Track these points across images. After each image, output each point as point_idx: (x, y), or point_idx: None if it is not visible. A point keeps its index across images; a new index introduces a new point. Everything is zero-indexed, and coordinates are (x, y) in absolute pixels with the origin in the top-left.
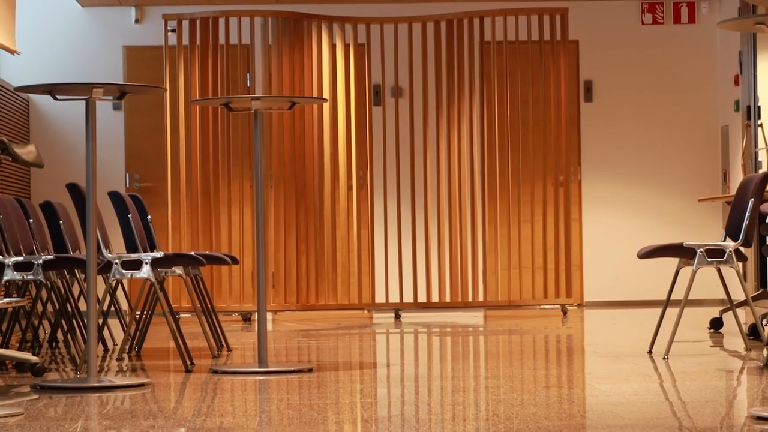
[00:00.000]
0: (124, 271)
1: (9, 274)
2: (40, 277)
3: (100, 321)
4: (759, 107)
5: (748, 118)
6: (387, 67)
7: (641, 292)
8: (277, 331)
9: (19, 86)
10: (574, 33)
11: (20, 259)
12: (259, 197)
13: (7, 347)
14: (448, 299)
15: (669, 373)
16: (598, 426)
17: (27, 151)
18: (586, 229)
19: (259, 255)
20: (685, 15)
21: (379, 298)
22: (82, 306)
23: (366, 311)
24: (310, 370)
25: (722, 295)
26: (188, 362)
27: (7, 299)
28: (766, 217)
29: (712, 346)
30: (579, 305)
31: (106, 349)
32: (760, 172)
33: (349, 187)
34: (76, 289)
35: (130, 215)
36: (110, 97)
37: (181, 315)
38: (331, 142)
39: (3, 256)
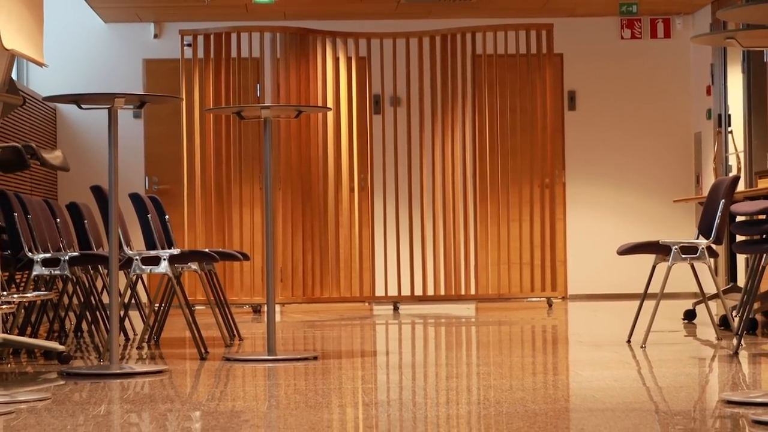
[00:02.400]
0: (143, 267)
1: (38, 270)
2: (66, 272)
3: (122, 313)
4: (729, 115)
5: (719, 125)
6: (386, 78)
7: (621, 285)
8: (284, 322)
9: (47, 96)
10: (558, 47)
11: (48, 255)
12: (268, 198)
13: (35, 337)
14: (442, 292)
15: (646, 360)
16: (580, 409)
17: (54, 156)
18: (569, 228)
19: (269, 252)
20: (660, 30)
21: (379, 292)
22: (105, 299)
23: (367, 304)
24: (315, 358)
25: (695, 289)
26: (203, 351)
27: (36, 293)
28: (735, 217)
29: (686, 336)
30: (563, 298)
31: (127, 339)
32: (730, 175)
33: (351, 189)
34: (99, 284)
35: (149, 215)
36: (131, 106)
37: (196, 307)
38: (335, 148)
39: (32, 252)
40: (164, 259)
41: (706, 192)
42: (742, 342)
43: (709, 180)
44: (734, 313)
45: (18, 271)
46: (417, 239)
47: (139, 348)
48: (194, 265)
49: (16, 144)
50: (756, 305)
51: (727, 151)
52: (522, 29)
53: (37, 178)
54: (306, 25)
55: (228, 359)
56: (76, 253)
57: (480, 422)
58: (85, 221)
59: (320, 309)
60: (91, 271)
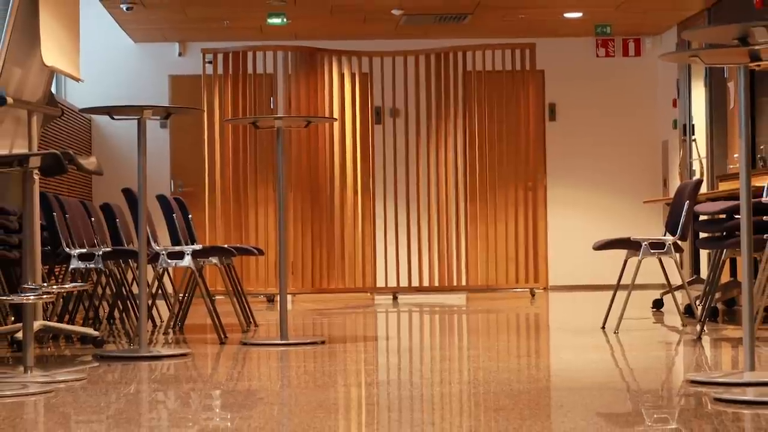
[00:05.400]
0: (169, 261)
1: (74, 263)
2: (100, 266)
3: (150, 302)
4: (693, 125)
5: (684, 134)
6: (386, 92)
7: (596, 277)
8: (295, 310)
9: (82, 108)
10: (540, 64)
11: (84, 250)
12: (281, 200)
13: (73, 323)
14: (436, 284)
15: (619, 345)
16: (560, 389)
17: (89, 162)
18: (550, 226)
19: (281, 247)
20: (632, 49)
21: (380, 283)
22: (135, 290)
23: (369, 294)
24: (322, 343)
25: (663, 281)
26: (222, 336)
27: (73, 284)
28: (699, 216)
29: (654, 323)
30: (545, 289)
31: (154, 325)
32: (694, 179)
33: (355, 192)
34: (129, 276)
35: (174, 214)
36: (158, 117)
37: (216, 297)
38: (340, 155)
39: (69, 248)
40: (188, 254)
41: (672, 194)
42: (705, 328)
43: (675, 183)
44: (697, 302)
45: (57, 265)
46: (414, 236)
47: (165, 334)
48: (214, 260)
49: (56, 151)
50: (717, 295)
51: (691, 157)
52: (508, 48)
53: (74, 181)
54: (315, 44)
55: (245, 344)
56: (108, 249)
57: (470, 400)
58: (117, 220)
59: (327, 298)
60: (122, 265)
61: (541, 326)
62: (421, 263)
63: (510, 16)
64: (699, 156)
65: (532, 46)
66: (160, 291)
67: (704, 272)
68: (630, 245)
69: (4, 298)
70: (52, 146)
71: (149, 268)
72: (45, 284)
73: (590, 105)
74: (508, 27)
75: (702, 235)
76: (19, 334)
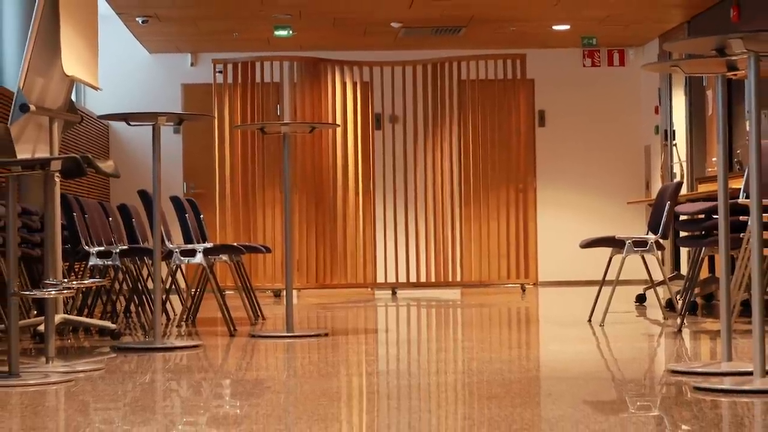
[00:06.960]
0: (182, 258)
1: (93, 260)
2: (117, 263)
3: (164, 297)
4: (674, 131)
5: (665, 139)
6: (386, 99)
7: (582, 274)
8: (300, 305)
9: (101, 115)
10: (530, 73)
11: (102, 248)
12: (287, 201)
13: (91, 317)
14: (433, 279)
15: (604, 337)
16: (549, 378)
17: (107, 165)
18: (540, 225)
19: (287, 245)
20: (616, 59)
21: (380, 279)
22: (150, 285)
23: (369, 289)
24: (326, 335)
25: (645, 276)
26: (232, 329)
27: (92, 280)
28: (679, 216)
29: (637, 316)
30: (534, 284)
31: (168, 319)
32: (675, 181)
33: (357, 193)
34: (144, 272)
35: (186, 215)
36: (171, 124)
37: (226, 292)
38: (342, 159)
39: (88, 246)
40: (199, 252)
41: (654, 195)
42: (685, 321)
43: (656, 185)
44: (678, 297)
45: (76, 262)
46: (412, 235)
47: (179, 326)
48: (225, 257)
49: (75, 155)
50: (696, 290)
51: (672, 160)
52: (500, 58)
53: (93, 183)
54: (318, 55)
55: (253, 336)
56: (125, 247)
57: (465, 388)
58: (133, 220)
59: (330, 293)
60: (138, 262)
61: (531, 319)
62: (418, 260)
63: (502, 28)
64: (679, 159)
65: (523, 56)
66: (173, 286)
67: (684, 269)
68: (615, 243)
69: (28, 293)
70: (72, 151)
71: (163, 264)
72: (65, 280)
73: (577, 112)
74: (500, 39)
75: (682, 233)
76: (42, 327)
